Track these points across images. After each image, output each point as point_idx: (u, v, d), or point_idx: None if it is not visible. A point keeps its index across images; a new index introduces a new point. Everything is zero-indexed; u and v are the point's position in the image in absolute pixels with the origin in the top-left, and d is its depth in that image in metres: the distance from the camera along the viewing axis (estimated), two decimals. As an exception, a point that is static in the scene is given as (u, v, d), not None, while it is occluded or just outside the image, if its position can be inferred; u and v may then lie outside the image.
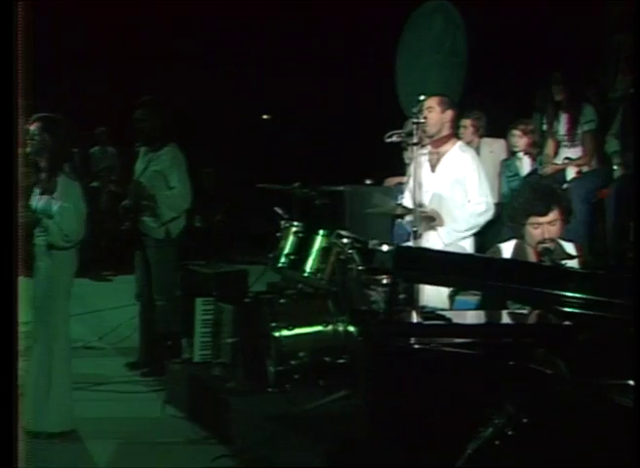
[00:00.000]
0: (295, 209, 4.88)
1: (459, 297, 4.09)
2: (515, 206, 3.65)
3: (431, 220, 4.66)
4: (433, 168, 4.97)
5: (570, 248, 3.66)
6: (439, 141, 4.96)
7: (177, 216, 5.63)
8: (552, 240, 3.55)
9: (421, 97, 4.55)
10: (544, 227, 3.57)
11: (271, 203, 4.72)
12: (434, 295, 4.21)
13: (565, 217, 3.61)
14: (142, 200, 5.57)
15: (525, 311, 3.07)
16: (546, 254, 3.41)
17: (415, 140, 4.44)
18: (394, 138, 4.54)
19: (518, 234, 3.71)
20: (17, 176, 2.13)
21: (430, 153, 5.02)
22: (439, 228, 4.72)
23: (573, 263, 3.48)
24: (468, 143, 5.91)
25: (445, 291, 4.07)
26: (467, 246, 4.81)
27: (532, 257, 3.65)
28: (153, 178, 5.62)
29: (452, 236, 4.73)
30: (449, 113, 4.97)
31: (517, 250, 3.74)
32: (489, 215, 4.75)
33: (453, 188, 4.88)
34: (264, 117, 11.72)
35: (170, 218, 5.58)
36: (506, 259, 3.51)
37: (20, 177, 2.21)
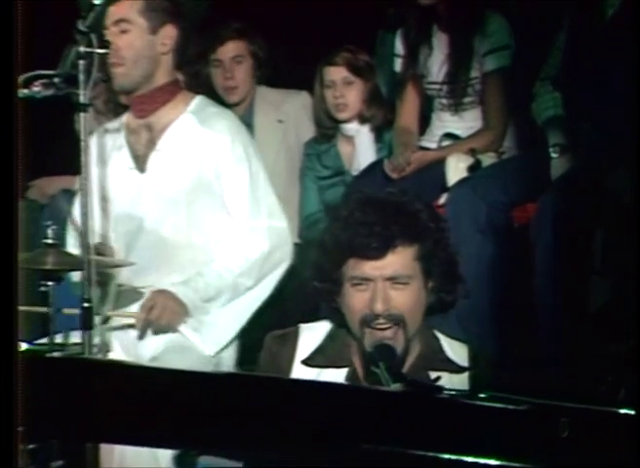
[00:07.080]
0: None
1: (202, 461, 3.72)
2: (325, 239, 3.69)
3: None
4: (141, 162, 4.93)
5: (458, 350, 3.68)
6: (149, 100, 4.90)
7: None
8: (398, 318, 3.51)
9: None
10: (378, 288, 3.49)
11: None
12: (145, 455, 4.17)
13: (436, 271, 3.55)
14: None
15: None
16: (382, 356, 3.33)
17: (83, 97, 4.11)
18: (36, 90, 4.22)
19: (331, 302, 3.69)
20: (17, 174, 2.82)
21: (135, 128, 4.99)
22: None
23: (459, 381, 3.49)
24: (233, 105, 5.94)
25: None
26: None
27: (353, 355, 3.64)
28: None
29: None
30: (168, 32, 4.84)
31: (331, 341, 3.76)
32: (285, 255, 4.84)
33: (193, 204, 4.93)
34: None
35: None
36: (300, 382, 3.38)
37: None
